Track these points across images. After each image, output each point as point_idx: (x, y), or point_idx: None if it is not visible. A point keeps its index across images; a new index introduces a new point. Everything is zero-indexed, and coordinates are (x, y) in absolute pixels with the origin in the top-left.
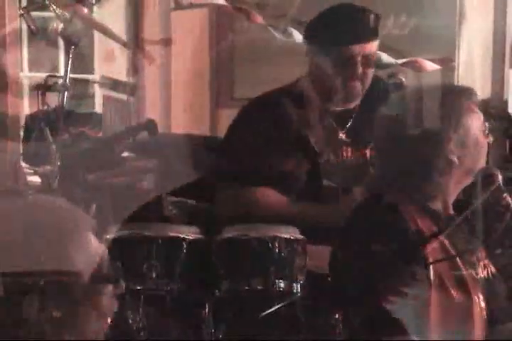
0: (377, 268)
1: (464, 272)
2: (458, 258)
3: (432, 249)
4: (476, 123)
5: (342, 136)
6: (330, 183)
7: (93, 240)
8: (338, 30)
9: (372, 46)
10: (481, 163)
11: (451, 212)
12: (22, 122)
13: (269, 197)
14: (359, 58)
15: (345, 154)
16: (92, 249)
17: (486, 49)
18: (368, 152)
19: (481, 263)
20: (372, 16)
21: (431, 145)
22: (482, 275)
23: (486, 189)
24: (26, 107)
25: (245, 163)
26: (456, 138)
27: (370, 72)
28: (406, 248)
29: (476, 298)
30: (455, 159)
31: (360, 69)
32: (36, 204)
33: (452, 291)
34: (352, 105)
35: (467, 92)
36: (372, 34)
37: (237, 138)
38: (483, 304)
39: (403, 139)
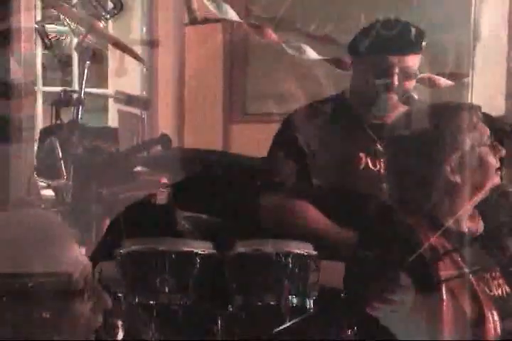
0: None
1: (477, 289)
2: (471, 275)
3: (445, 266)
4: (478, 141)
5: (380, 147)
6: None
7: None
8: (377, 40)
9: (413, 59)
10: (491, 178)
11: (465, 229)
12: (37, 131)
13: (307, 212)
14: (396, 70)
15: (382, 165)
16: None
17: (500, 65)
18: None
19: (496, 282)
20: (413, 30)
21: (429, 166)
22: (496, 293)
23: (501, 207)
24: (40, 121)
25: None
26: (455, 158)
27: (408, 85)
28: (417, 262)
29: (489, 314)
30: (457, 179)
31: (396, 82)
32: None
33: (465, 307)
34: (390, 118)
35: (465, 110)
36: (412, 47)
37: (270, 147)
38: (497, 320)
39: (406, 158)
